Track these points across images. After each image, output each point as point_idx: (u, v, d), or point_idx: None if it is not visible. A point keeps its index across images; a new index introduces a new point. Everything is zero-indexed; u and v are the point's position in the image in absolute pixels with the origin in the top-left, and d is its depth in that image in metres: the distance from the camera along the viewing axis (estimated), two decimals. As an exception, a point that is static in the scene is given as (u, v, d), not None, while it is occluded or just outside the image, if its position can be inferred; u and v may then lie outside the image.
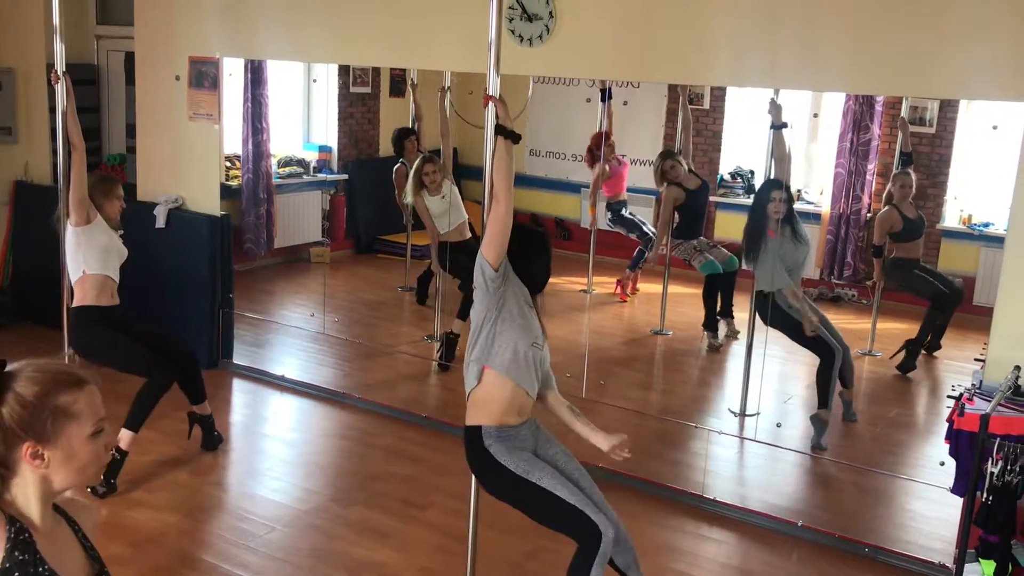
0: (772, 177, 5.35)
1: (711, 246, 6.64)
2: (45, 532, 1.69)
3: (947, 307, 5.97)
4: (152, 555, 3.96)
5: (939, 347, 6.16)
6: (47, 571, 1.64)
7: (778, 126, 5.16)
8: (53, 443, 1.67)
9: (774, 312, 5.35)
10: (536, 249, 3.29)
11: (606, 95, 6.86)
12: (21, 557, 1.63)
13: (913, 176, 6.03)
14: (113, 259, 4.74)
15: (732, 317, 6.60)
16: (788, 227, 5.36)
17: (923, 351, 6.13)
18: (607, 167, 7.11)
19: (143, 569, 3.85)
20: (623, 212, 7.21)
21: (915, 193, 6.05)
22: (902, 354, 6.00)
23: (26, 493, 1.68)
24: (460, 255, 6.41)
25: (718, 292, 6.63)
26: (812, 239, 6.92)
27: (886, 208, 6.02)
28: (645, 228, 7.22)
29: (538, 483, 3.10)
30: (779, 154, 5.26)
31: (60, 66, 4.58)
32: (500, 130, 3.20)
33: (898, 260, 6.06)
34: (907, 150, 6.15)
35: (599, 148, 7.05)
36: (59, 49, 4.58)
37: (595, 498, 3.23)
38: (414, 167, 6.46)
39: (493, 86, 3.26)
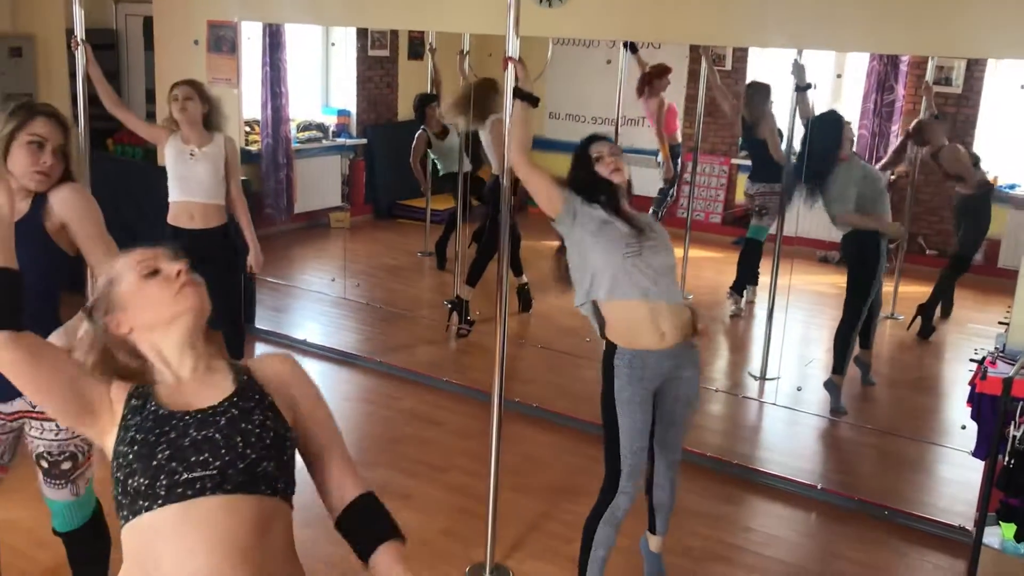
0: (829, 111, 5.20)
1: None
2: (191, 381, 1.80)
3: (966, 262, 5.91)
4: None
5: (951, 309, 6.12)
6: (154, 408, 1.74)
7: (802, 87, 5.07)
8: (118, 307, 1.79)
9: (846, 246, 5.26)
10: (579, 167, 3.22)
11: (632, 47, 6.71)
12: (136, 403, 1.75)
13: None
14: (187, 184, 4.68)
15: (756, 284, 6.55)
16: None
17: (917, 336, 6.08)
18: (664, 102, 7.01)
19: (169, 529, 3.91)
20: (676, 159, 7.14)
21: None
22: (918, 321, 5.98)
23: (154, 357, 1.80)
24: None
25: (756, 258, 6.53)
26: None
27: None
28: (665, 195, 7.14)
29: (618, 418, 3.08)
30: (804, 115, 5.18)
31: (80, 32, 4.58)
32: (517, 92, 3.16)
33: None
34: (933, 112, 6.04)
35: (661, 77, 6.96)
36: (78, 15, 4.57)
37: (663, 451, 3.27)
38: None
39: (512, 48, 3.23)
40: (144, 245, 1.85)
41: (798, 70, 5.06)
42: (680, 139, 7.22)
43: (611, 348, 3.12)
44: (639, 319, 3.05)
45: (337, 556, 3.76)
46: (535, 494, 4.25)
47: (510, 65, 3.20)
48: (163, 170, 6.19)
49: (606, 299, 3.09)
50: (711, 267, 7.47)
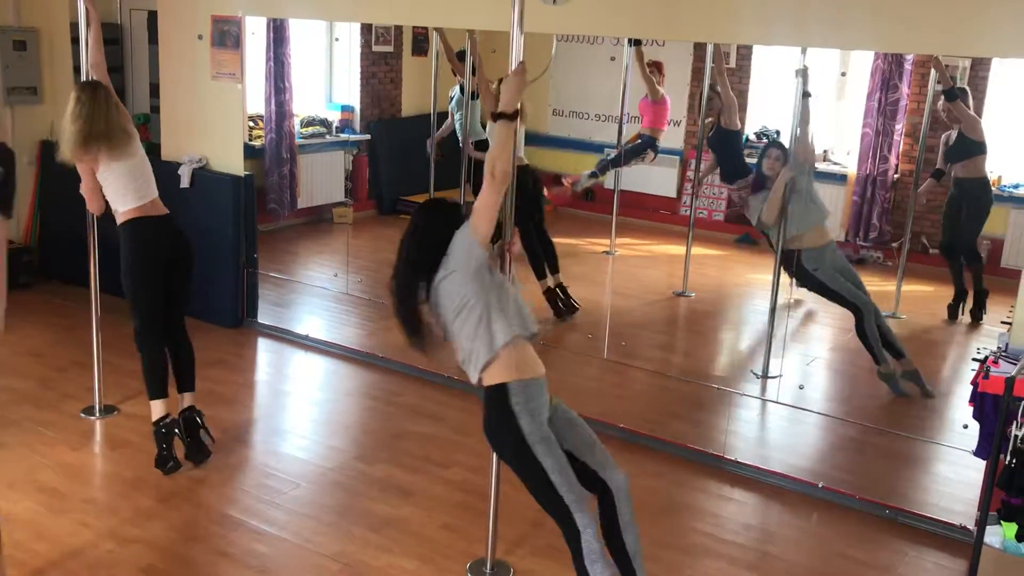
0: (796, 138, 5.27)
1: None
2: None
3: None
4: (179, 510, 4.03)
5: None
6: None
7: (805, 95, 5.07)
8: None
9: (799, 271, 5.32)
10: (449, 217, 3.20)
11: (633, 40, 6.71)
12: None
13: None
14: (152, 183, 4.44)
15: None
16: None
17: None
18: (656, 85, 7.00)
19: (171, 523, 3.92)
20: (646, 150, 7.11)
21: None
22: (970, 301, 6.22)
23: None
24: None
25: None
26: (837, 201, 6.85)
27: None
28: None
29: (540, 459, 2.98)
30: (804, 120, 5.14)
31: (84, 26, 4.56)
32: (498, 116, 3.05)
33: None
34: (947, 87, 5.99)
35: (660, 71, 7.02)
36: (82, 9, 4.57)
37: (594, 458, 3.11)
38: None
39: (517, 44, 3.22)
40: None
41: (803, 74, 5.05)
42: (656, 134, 7.24)
43: (502, 391, 3.02)
44: (524, 352, 3.07)
45: (338, 551, 3.77)
46: (536, 490, 4.25)
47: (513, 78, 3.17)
48: (167, 165, 6.21)
49: (508, 339, 3.03)
50: (714, 264, 7.47)
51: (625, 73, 6.86)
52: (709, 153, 6.83)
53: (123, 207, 4.34)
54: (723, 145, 6.54)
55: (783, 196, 5.31)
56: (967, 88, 6.11)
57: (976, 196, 6.07)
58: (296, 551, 3.79)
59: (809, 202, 5.42)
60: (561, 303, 6.42)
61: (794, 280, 5.46)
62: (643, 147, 7.05)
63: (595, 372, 5.74)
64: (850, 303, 5.33)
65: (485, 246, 3.06)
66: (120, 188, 4.31)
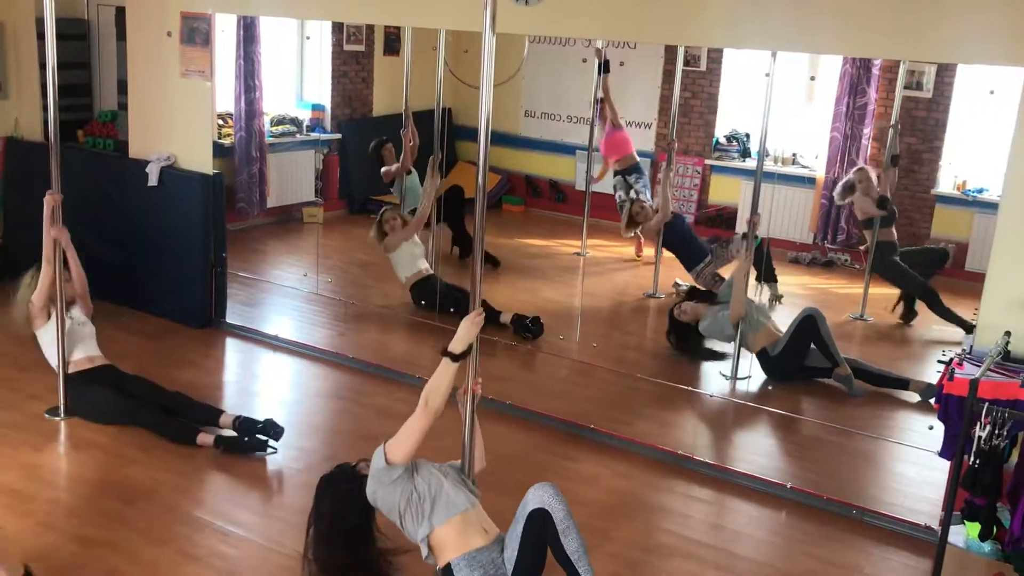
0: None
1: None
2: None
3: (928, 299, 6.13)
4: (144, 512, 3.99)
5: (914, 315, 6.25)
6: None
7: (755, 237, 5.37)
8: None
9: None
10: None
11: (603, 67, 6.79)
12: None
13: (871, 173, 6.20)
14: (74, 339, 4.89)
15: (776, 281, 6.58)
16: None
17: (899, 320, 6.27)
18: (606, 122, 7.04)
19: (136, 525, 3.88)
20: (630, 181, 7.14)
21: (906, 162, 6.17)
22: (901, 305, 6.23)
23: None
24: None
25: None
26: (805, 204, 6.94)
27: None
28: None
29: None
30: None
31: (50, 21, 4.49)
32: (447, 352, 3.20)
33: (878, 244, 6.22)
34: (895, 152, 6.21)
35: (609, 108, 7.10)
36: (48, 3, 4.51)
37: (521, 518, 3.19)
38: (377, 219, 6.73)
39: (488, 45, 3.22)
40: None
41: (748, 236, 5.34)
42: (630, 162, 7.28)
43: (447, 569, 3.16)
44: (464, 527, 3.20)
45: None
46: (508, 492, 4.22)
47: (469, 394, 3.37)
48: (135, 163, 6.15)
49: (442, 524, 3.19)
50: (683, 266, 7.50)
51: (597, 77, 6.89)
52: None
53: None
54: (680, 234, 6.75)
55: (744, 284, 5.50)
56: None
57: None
58: (264, 553, 3.77)
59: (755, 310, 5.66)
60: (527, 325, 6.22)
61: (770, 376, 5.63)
62: (638, 178, 7.17)
63: (566, 373, 5.76)
64: (802, 318, 5.47)
65: (401, 463, 3.23)
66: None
